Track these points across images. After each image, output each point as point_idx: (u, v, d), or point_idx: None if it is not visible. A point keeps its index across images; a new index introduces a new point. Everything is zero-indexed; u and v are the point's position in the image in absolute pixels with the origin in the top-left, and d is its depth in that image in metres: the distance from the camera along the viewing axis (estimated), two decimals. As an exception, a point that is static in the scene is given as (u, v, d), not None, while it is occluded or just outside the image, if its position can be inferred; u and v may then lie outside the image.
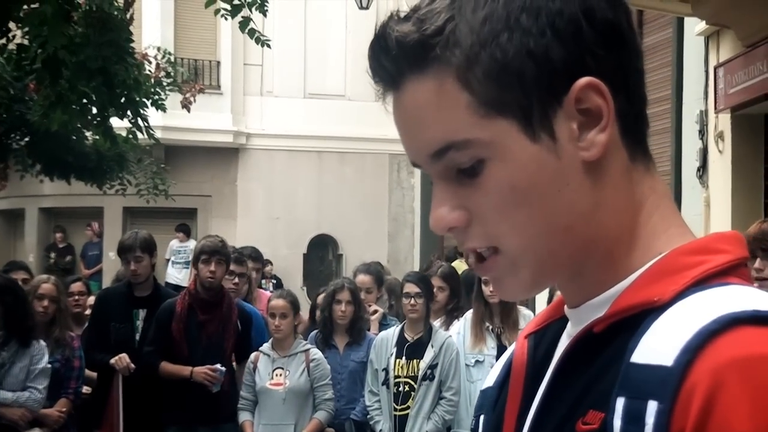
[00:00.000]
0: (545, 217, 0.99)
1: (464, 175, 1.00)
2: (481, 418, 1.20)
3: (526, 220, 0.99)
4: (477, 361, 6.38)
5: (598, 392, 0.94)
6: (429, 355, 6.17)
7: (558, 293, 1.15)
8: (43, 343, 6.16)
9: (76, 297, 7.51)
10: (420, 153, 1.03)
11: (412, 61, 0.99)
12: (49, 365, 6.16)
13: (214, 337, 6.36)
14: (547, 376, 1.06)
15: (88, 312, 7.39)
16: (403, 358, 6.22)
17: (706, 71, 8.69)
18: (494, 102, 0.98)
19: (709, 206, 8.60)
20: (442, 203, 1.03)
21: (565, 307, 1.10)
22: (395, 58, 1.00)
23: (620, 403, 0.88)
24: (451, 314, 6.89)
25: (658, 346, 0.88)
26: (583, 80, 0.98)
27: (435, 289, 6.86)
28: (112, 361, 6.33)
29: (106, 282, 14.35)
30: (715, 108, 8.42)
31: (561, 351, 1.06)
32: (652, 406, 0.86)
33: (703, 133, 8.80)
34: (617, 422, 0.88)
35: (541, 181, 0.98)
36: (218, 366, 6.25)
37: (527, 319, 6.38)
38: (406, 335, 6.30)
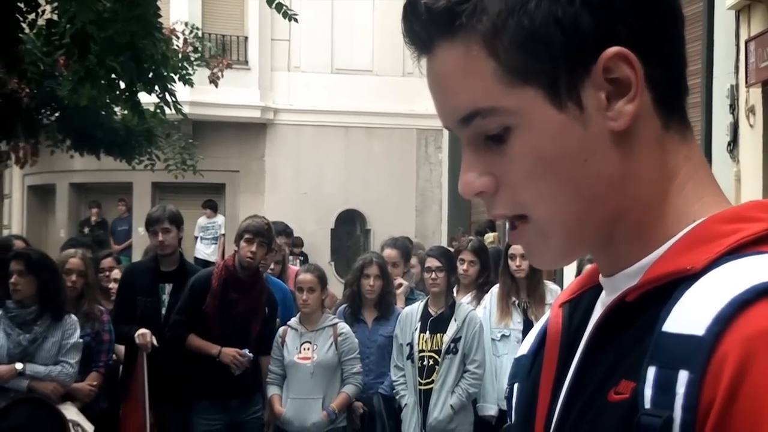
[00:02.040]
0: (571, 186, 0.99)
1: (492, 141, 1.00)
2: (515, 386, 1.20)
3: (552, 189, 0.99)
4: (503, 336, 6.38)
5: (630, 361, 0.93)
6: (452, 328, 6.18)
7: (587, 266, 1.14)
8: (74, 317, 6.21)
9: (107, 272, 7.57)
10: (449, 118, 1.03)
11: (441, 27, 0.99)
12: (81, 340, 6.21)
13: (242, 317, 6.36)
14: (581, 346, 1.06)
15: (112, 285, 7.46)
16: (427, 332, 6.23)
17: (737, 45, 8.61)
18: (520, 70, 0.97)
19: (740, 181, 8.54)
20: (470, 168, 1.03)
21: (600, 275, 1.09)
22: (425, 23, 1.00)
23: (651, 372, 0.88)
24: (482, 288, 6.88)
25: (690, 315, 0.88)
26: (612, 50, 0.96)
27: (465, 264, 6.87)
28: (136, 334, 6.36)
29: (136, 257, 14.45)
30: (746, 82, 8.34)
31: (595, 320, 1.06)
32: (683, 376, 0.85)
33: (733, 107, 8.73)
34: (648, 391, 0.87)
35: (567, 150, 0.98)
36: (246, 351, 6.26)
37: (554, 293, 6.38)
38: (429, 310, 6.31)
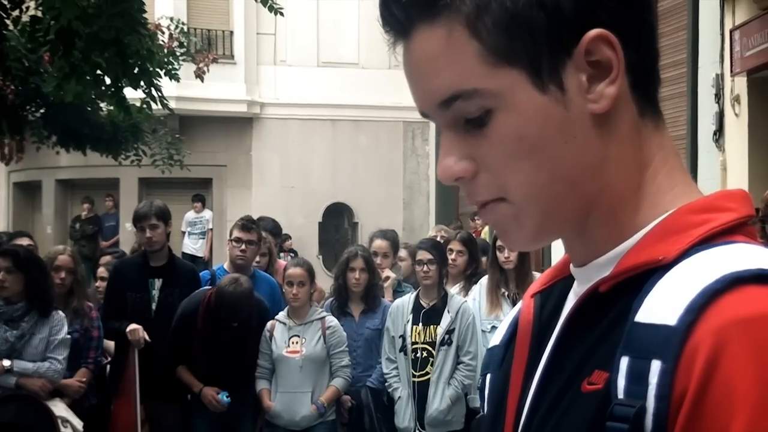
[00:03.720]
0: (552, 168, 0.99)
1: (472, 125, 1.00)
2: (488, 376, 1.20)
3: (533, 171, 0.99)
4: (493, 327, 6.38)
5: (602, 352, 0.94)
6: (446, 320, 6.19)
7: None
8: (62, 313, 6.21)
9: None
10: (428, 102, 1.03)
11: (423, 9, 0.99)
12: (69, 336, 6.21)
13: (233, 343, 6.31)
14: (554, 336, 1.06)
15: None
16: (420, 324, 6.24)
17: (722, 34, 8.63)
18: (503, 51, 0.97)
19: (726, 170, 8.57)
20: (449, 153, 1.02)
21: (571, 266, 1.10)
22: (405, 6, 1.00)
23: (624, 362, 0.88)
24: (470, 279, 6.90)
25: (662, 305, 0.88)
26: (594, 32, 0.97)
27: (454, 254, 6.89)
28: (128, 330, 6.35)
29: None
30: (731, 71, 8.37)
31: (567, 310, 1.06)
32: (656, 366, 0.86)
33: (719, 96, 8.75)
34: (621, 382, 0.88)
35: (549, 132, 0.98)
36: (223, 397, 6.25)
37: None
38: (421, 302, 6.32)
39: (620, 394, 0.88)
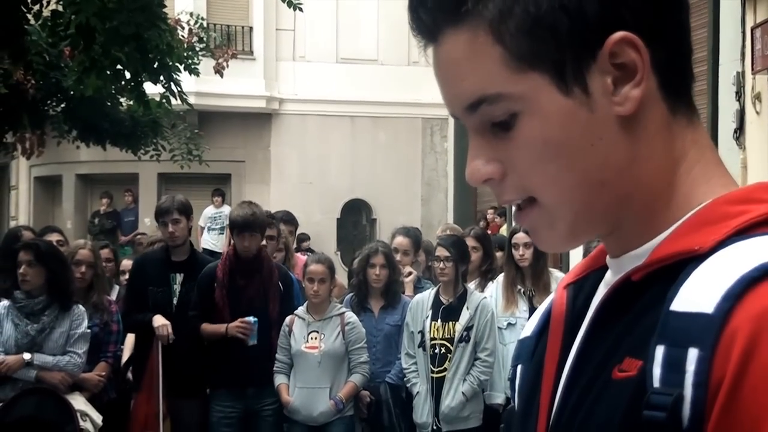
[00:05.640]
0: (578, 171, 0.99)
1: (498, 128, 1.01)
2: (519, 368, 1.20)
3: (559, 173, 0.99)
4: (509, 324, 6.39)
5: (634, 339, 0.94)
6: (465, 317, 6.19)
7: (592, 251, 1.15)
8: (82, 308, 6.23)
9: (103, 262, 7.59)
10: (456, 106, 1.04)
11: (447, 14, 1.00)
12: (89, 330, 6.24)
13: (256, 302, 6.38)
14: (585, 325, 1.07)
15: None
16: (439, 320, 6.24)
17: (743, 32, 8.58)
18: (527, 56, 0.98)
19: (746, 168, 8.53)
20: (477, 155, 1.04)
21: (607, 257, 1.10)
22: (431, 11, 1.01)
23: (660, 351, 0.88)
24: (485, 275, 6.89)
25: (699, 294, 0.88)
26: (618, 35, 0.97)
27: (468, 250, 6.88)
28: (155, 325, 6.38)
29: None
30: (752, 69, 8.33)
31: (598, 299, 1.06)
32: (693, 354, 0.86)
33: (739, 94, 8.71)
34: (657, 370, 0.88)
35: (574, 135, 0.98)
36: (249, 318, 6.28)
37: (558, 281, 6.37)
38: (441, 298, 6.31)
39: (656, 383, 0.88)
